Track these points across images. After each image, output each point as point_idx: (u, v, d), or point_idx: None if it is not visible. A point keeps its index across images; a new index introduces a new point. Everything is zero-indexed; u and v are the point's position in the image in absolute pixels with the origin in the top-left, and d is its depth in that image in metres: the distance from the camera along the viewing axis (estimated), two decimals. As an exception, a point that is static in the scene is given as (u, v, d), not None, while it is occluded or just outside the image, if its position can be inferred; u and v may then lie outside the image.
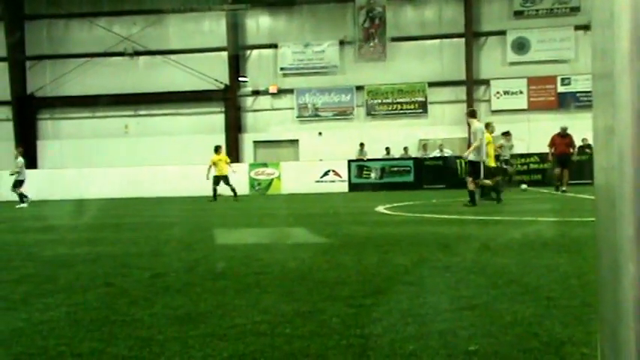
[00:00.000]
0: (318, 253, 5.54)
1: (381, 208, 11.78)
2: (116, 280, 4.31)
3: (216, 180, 17.71)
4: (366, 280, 4.01)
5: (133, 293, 3.79)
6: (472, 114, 12.91)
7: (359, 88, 26.58)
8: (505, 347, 2.46)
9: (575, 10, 25.40)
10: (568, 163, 16.96)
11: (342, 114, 26.80)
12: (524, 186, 19.38)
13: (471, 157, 12.15)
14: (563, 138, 17.08)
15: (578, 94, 25.15)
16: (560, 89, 25.34)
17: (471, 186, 12.07)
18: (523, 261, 4.66)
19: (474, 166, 12.11)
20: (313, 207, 14.06)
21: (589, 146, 22.15)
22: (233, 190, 17.73)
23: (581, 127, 23.29)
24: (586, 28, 25.35)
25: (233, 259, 5.24)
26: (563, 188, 16.23)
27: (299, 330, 2.81)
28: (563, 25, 25.42)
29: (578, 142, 22.15)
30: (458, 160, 22.99)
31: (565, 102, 25.00)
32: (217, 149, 18.19)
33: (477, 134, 12.06)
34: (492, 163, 13.29)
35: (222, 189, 17.95)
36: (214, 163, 17.83)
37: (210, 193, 17.76)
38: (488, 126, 13.46)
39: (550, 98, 25.31)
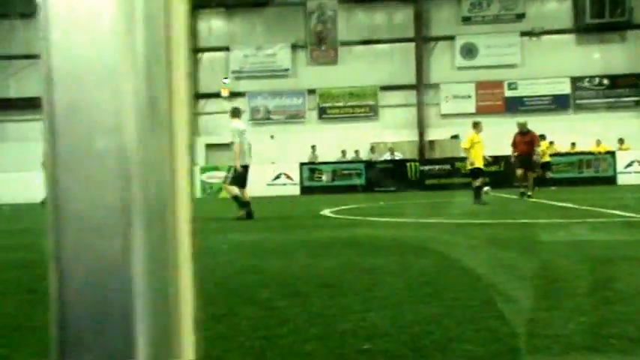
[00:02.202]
0: (248, 256, 5.64)
1: (326, 212, 11.92)
2: (39, 287, 4.31)
3: None
4: (287, 284, 4.12)
5: (52, 299, 3.80)
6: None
7: (311, 91, 26.78)
8: (397, 346, 2.60)
9: (521, 16, 26.15)
10: (530, 163, 14.97)
11: (294, 117, 26.95)
12: (486, 188, 19.78)
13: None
14: (523, 136, 15.07)
15: (524, 99, 25.89)
16: (507, 94, 26.06)
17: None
18: (443, 263, 4.85)
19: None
20: (260, 211, 14.12)
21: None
22: None
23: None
24: (531, 34, 26.13)
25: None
26: (529, 193, 14.61)
27: (207, 333, 2.89)
28: (510, 32, 26.14)
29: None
30: (408, 164, 23.41)
31: (512, 106, 25.67)
32: None
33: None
34: (480, 164, 13.21)
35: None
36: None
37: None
38: (476, 125, 13.42)
39: (497, 102, 25.98)
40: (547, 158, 20.65)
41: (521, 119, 15.79)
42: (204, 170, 24.05)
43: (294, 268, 4.81)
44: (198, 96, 27.35)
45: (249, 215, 10.50)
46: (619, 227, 7.49)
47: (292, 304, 3.45)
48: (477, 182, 13.19)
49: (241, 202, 10.62)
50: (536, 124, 24.41)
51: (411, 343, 2.64)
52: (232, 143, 10.65)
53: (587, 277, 4.16)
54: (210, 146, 27.11)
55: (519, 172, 14.96)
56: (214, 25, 27.42)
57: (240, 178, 10.66)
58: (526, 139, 14.92)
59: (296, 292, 3.82)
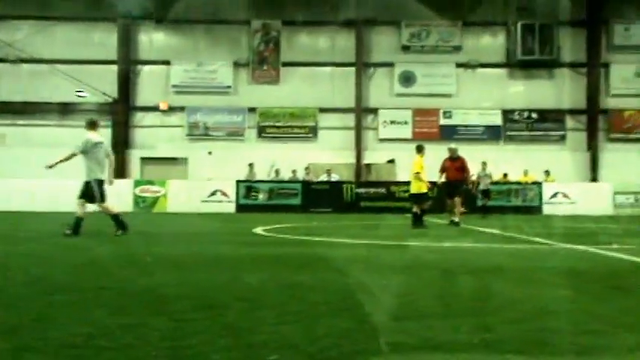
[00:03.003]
0: (170, 269, 5.57)
1: (259, 230, 11.88)
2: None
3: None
4: (205, 296, 4.09)
5: (-44, 306, 3.65)
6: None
7: (251, 109, 26.76)
8: (304, 357, 2.62)
9: (458, 49, 26.99)
10: (459, 190, 14.58)
11: (234, 134, 26.84)
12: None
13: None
14: (453, 162, 14.59)
15: (458, 127, 26.64)
16: (442, 122, 26.73)
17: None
18: (363, 281, 4.92)
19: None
20: (193, 226, 13.97)
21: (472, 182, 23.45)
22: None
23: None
24: (466, 66, 27.00)
25: (82, 274, 5.16)
26: (455, 219, 13.97)
27: (115, 342, 2.84)
28: (446, 62, 26.92)
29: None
30: (344, 186, 23.62)
31: (446, 134, 26.34)
32: None
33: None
34: (424, 189, 13.17)
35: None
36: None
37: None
38: (421, 149, 13.43)
39: (433, 129, 26.61)
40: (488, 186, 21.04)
41: (453, 144, 15.40)
42: (137, 184, 23.57)
43: (214, 282, 4.78)
44: (135, 109, 26.89)
45: (122, 227, 9.88)
46: (537, 253, 7.78)
47: (206, 316, 3.43)
48: (425, 206, 13.31)
49: (117, 220, 9.92)
50: (469, 152, 25.00)
51: (319, 354, 2.67)
52: (73, 154, 9.75)
53: (480, 295, 4.31)
54: (145, 160, 26.61)
55: (449, 199, 14.62)
56: (155, 39, 27.11)
57: (90, 192, 9.84)
58: (456, 165, 14.52)
59: (212, 304, 3.79)
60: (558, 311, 3.72)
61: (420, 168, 13.20)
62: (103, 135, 25.74)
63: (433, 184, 14.54)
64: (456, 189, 14.46)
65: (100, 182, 10.01)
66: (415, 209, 13.24)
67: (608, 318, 3.51)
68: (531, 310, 3.71)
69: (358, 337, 2.97)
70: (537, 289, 4.57)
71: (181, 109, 26.73)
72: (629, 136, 26.87)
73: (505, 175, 23.92)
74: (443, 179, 14.82)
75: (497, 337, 3.01)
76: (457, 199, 14.37)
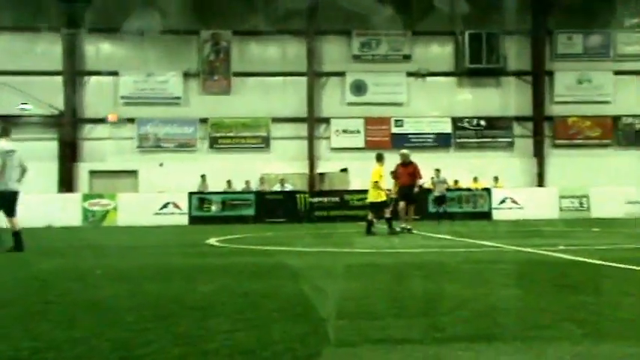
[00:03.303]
0: (122, 281, 5.48)
1: (212, 241, 11.78)
2: None
3: None
4: (158, 307, 4.04)
5: None
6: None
7: (203, 120, 26.55)
8: (258, 362, 2.62)
9: (407, 57, 27.41)
10: (412, 195, 14.44)
11: (185, 146, 26.56)
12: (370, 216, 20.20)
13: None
14: (405, 167, 14.53)
15: (409, 135, 27.00)
16: (394, 130, 27.05)
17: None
18: (316, 286, 4.94)
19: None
20: (144, 239, 13.75)
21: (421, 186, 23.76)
22: None
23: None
24: (416, 75, 27.45)
25: (27, 288, 5.03)
26: (407, 226, 13.94)
27: (63, 354, 2.78)
28: (397, 71, 27.28)
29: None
30: (298, 196, 23.63)
31: (398, 142, 26.66)
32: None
33: None
34: (382, 197, 13.21)
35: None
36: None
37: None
38: (380, 158, 13.50)
39: (385, 138, 26.89)
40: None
41: (405, 150, 15.35)
42: (86, 197, 23.05)
43: (167, 293, 4.72)
44: (83, 121, 26.33)
45: (19, 247, 8.94)
46: (487, 256, 7.96)
47: (159, 325, 3.39)
48: (386, 214, 13.39)
49: (17, 238, 8.99)
50: (421, 160, 25.33)
51: (272, 359, 2.67)
52: None
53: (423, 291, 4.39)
54: (94, 173, 26.05)
55: (402, 204, 14.45)
56: (102, 49, 26.65)
57: (4, 203, 9.09)
58: (409, 171, 14.44)
59: (165, 314, 3.75)
60: (507, 309, 3.82)
61: (379, 177, 13.26)
62: (49, 149, 25.25)
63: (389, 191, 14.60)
64: (409, 194, 14.42)
65: (13, 194, 9.24)
66: (370, 217, 13.34)
67: (555, 313, 3.62)
68: (482, 309, 3.79)
69: (312, 341, 2.98)
70: (487, 289, 4.68)
71: (131, 120, 26.30)
72: (573, 142, 27.76)
73: (456, 181, 24.37)
74: (394, 186, 14.96)
75: (449, 335, 3.07)
76: (411, 207, 14.48)
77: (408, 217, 14.36)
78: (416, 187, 14.37)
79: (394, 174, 14.94)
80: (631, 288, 4.73)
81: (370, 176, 13.49)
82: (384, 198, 13.30)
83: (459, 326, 3.28)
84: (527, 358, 2.65)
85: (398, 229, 13.48)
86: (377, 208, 13.37)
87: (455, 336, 3.06)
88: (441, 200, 21.28)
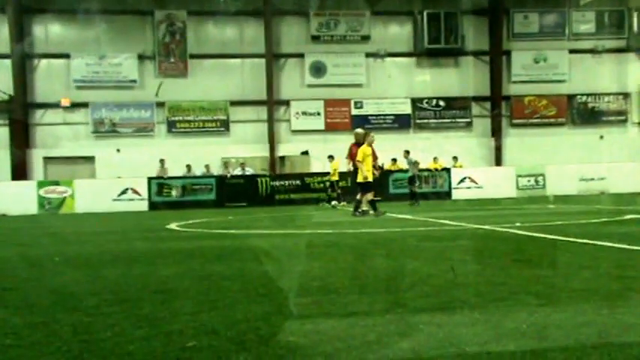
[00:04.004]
0: (82, 267, 5.43)
1: (173, 225, 11.70)
2: None
3: None
4: (119, 291, 4.02)
5: None
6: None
7: (160, 104, 26.19)
8: (222, 342, 2.64)
9: (366, 38, 27.48)
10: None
11: (142, 130, 26.20)
12: (334, 202, 20.27)
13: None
14: (359, 147, 13.55)
15: (369, 117, 27.15)
16: (354, 112, 27.18)
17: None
18: (280, 268, 4.99)
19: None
20: (103, 224, 13.57)
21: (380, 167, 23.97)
22: None
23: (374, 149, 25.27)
24: (375, 55, 27.54)
25: (-17, 278, 4.93)
26: (364, 208, 13.11)
27: (22, 340, 2.75)
28: (356, 52, 27.33)
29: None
30: (259, 179, 23.56)
31: (358, 124, 26.76)
32: None
33: None
34: (371, 177, 12.75)
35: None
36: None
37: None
38: (366, 136, 13.17)
39: (345, 120, 27.00)
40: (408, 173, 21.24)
41: (359, 129, 14.68)
42: (41, 185, 22.56)
43: (128, 277, 4.70)
44: (34, 106, 25.67)
45: None
46: (447, 234, 8.12)
47: (121, 309, 3.38)
48: (370, 195, 12.93)
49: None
50: (381, 142, 25.60)
51: (237, 338, 2.70)
52: None
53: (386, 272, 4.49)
54: (48, 159, 25.50)
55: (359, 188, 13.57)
56: (53, 30, 25.94)
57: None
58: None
59: (127, 298, 3.73)
60: (467, 283, 3.92)
61: (361, 156, 12.84)
62: (1, 135, 24.55)
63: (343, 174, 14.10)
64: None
65: None
66: (359, 197, 12.98)
67: (512, 286, 3.73)
68: (442, 284, 3.89)
69: (276, 320, 3.02)
70: (447, 265, 4.79)
71: (85, 105, 25.78)
72: (530, 121, 28.35)
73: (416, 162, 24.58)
74: (351, 167, 14.40)
75: (410, 309, 3.15)
76: (363, 190, 13.48)
77: (364, 199, 13.51)
78: (375, 168, 13.71)
79: (349, 155, 14.48)
80: (584, 261, 4.90)
81: (359, 155, 12.94)
82: (371, 178, 12.88)
83: (420, 300, 3.36)
84: (486, 328, 2.74)
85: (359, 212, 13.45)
86: (364, 187, 12.90)
87: (416, 309, 3.14)
88: (411, 181, 21.27)
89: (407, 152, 21.43)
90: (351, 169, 14.66)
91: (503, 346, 2.47)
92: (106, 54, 25.82)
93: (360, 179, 12.95)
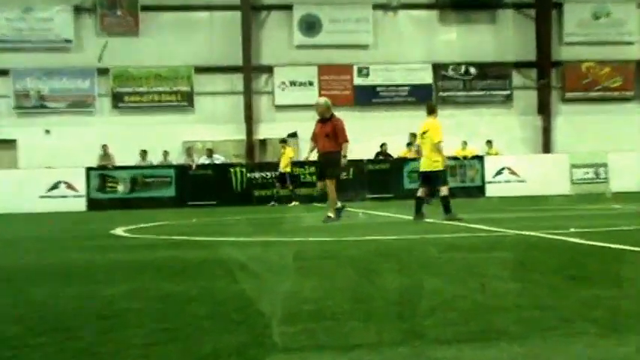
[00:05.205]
0: (2, 285, 5.47)
1: (119, 231, 11.76)
2: None
3: None
4: (50, 317, 4.03)
5: None
6: None
7: (102, 71, 26.19)
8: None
9: (374, -16, 27.46)
10: (331, 166, 12.68)
11: (80, 105, 26.25)
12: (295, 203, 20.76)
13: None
14: (323, 125, 12.70)
15: (377, 88, 27.15)
16: (357, 81, 27.19)
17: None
18: (259, 287, 5.00)
19: None
20: (28, 230, 13.59)
21: (387, 154, 24.12)
22: None
23: (382, 129, 25.40)
24: (386, 7, 27.49)
25: None
26: (330, 215, 12.47)
27: None
28: (360, 3, 27.29)
29: (374, 146, 24.01)
30: (232, 170, 23.55)
31: (362, 97, 26.80)
32: None
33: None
34: (441, 166, 12.35)
35: None
36: None
37: None
38: (433, 109, 12.83)
39: (345, 92, 27.05)
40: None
41: (321, 99, 13.68)
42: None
43: (62, 299, 4.71)
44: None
45: None
46: (479, 243, 8.13)
47: (52, 340, 3.38)
48: (445, 190, 12.28)
49: None
50: (393, 121, 25.86)
51: (204, 378, 2.71)
52: None
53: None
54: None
55: (319, 183, 13.25)
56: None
57: None
58: (326, 130, 12.61)
59: (59, 326, 3.74)
60: (505, 308, 3.93)
61: (441, 135, 12.29)
62: None
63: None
64: (328, 166, 12.71)
65: None
66: (420, 193, 12.53)
67: (564, 311, 3.75)
68: (472, 309, 3.89)
69: (255, 354, 3.02)
70: (479, 283, 4.80)
71: (4, 72, 25.73)
72: (588, 95, 28.38)
73: (382, 147, 24.57)
74: (315, 152, 13.38)
75: (430, 341, 3.16)
76: (329, 182, 12.66)
77: (330, 198, 12.79)
78: (342, 155, 12.61)
79: (313, 135, 13.37)
80: (659, 277, 4.92)
81: (429, 133, 12.32)
82: (442, 167, 12.39)
83: (443, 330, 3.37)
84: (530, 366, 2.76)
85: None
86: (434, 180, 12.45)
87: (438, 341, 3.15)
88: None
89: (413, 136, 21.46)
90: (308, 155, 14.16)
91: (552, 388, 2.49)
92: (33, 6, 25.73)
93: (426, 168, 12.43)
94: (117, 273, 6.07)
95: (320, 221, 12.52)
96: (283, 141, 22.96)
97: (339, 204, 12.72)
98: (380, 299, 4.40)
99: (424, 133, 12.49)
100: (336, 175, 12.85)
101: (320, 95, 26.57)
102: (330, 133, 12.51)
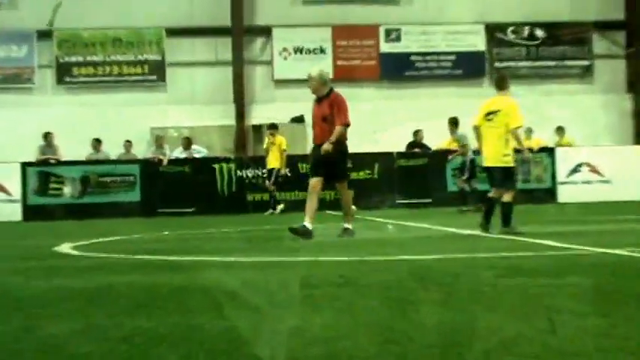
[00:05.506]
0: None
1: (66, 247, 11.80)
2: None
3: None
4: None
5: None
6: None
7: (43, 34, 26.26)
8: None
9: None
10: (337, 161, 12.42)
11: (13, 80, 26.39)
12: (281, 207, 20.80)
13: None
14: (319, 104, 12.52)
15: (410, 57, 27.13)
16: (384, 48, 27.17)
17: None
18: (260, 323, 5.01)
19: None
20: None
21: (424, 144, 24.09)
22: None
23: (417, 111, 25.39)
24: (423, -51, 27.52)
25: None
26: (347, 225, 12.51)
27: None
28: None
29: (407, 134, 24.00)
30: (217, 166, 23.57)
31: (391, 69, 26.78)
32: None
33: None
34: (511, 162, 12.66)
35: None
36: None
37: None
38: (504, 82, 13.44)
39: (369, 62, 27.04)
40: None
41: (315, 70, 13.06)
42: None
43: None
44: None
45: None
46: (549, 265, 8.12)
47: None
48: (509, 196, 12.44)
49: None
50: (433, 100, 25.85)
51: None
52: None
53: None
54: None
55: (314, 180, 12.53)
56: None
57: None
58: (323, 111, 12.37)
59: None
60: (582, 352, 3.92)
61: (520, 119, 12.71)
62: None
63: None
64: (332, 162, 12.37)
65: None
66: (493, 194, 12.55)
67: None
68: (540, 354, 3.89)
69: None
70: (549, 320, 4.79)
71: None
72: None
73: (416, 135, 24.51)
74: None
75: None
76: (340, 186, 12.88)
77: (345, 207, 12.78)
78: (343, 149, 12.58)
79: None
80: None
81: (502, 118, 12.51)
82: (512, 162, 12.63)
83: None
84: None
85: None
86: (505, 179, 12.49)
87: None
88: (462, 171, 21.24)
89: (454, 122, 21.33)
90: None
91: None
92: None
93: (492, 163, 12.56)
94: (64, 304, 6.07)
95: (335, 235, 12.54)
96: (273, 127, 22.83)
97: (349, 224, 12.51)
98: (416, 340, 4.40)
99: (491, 113, 12.54)
100: (348, 175, 12.93)
101: (335, 67, 26.66)
102: (329, 114, 12.20)
